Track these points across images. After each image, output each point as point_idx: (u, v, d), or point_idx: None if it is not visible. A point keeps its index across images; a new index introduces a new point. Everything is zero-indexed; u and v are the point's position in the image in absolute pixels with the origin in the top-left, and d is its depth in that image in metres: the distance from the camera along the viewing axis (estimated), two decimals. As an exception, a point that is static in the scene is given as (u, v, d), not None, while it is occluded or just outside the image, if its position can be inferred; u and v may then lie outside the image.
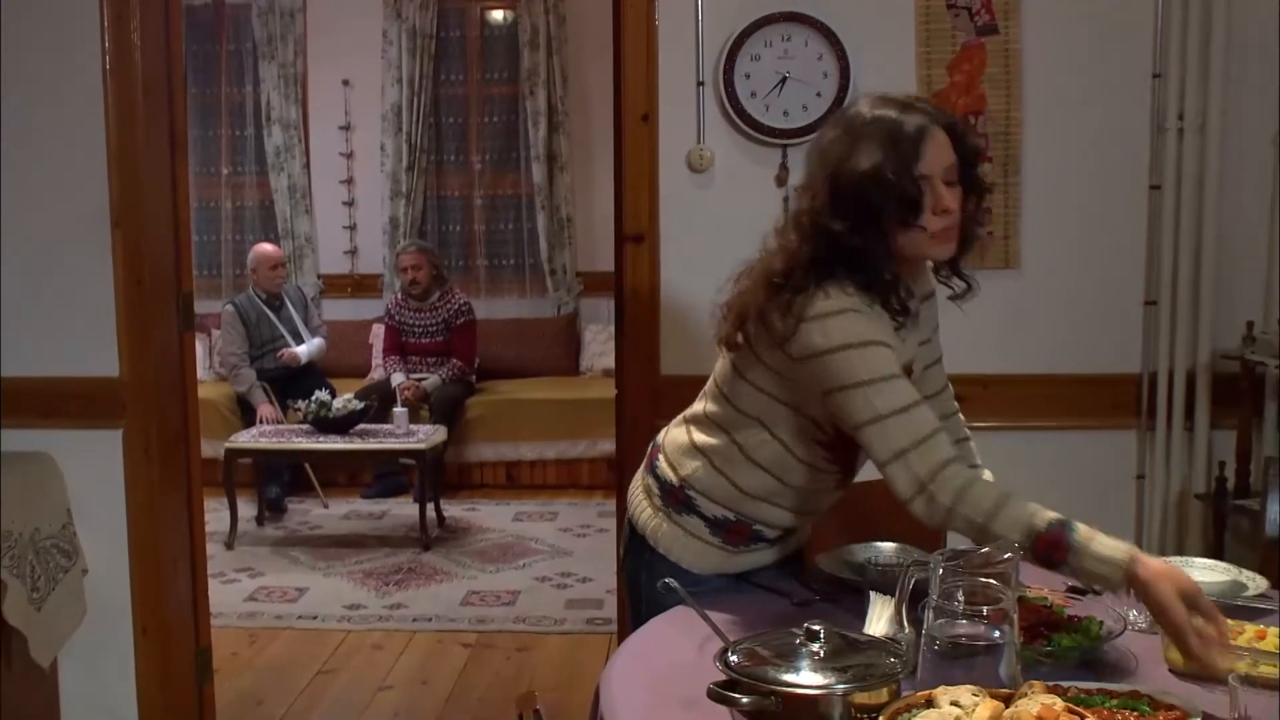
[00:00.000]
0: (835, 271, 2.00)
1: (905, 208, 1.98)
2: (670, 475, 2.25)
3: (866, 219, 1.98)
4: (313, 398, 6.13)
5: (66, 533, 3.32)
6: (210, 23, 7.95)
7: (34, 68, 3.26)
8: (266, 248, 7.20)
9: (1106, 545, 1.84)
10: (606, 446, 6.05)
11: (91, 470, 3.35)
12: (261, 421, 6.59)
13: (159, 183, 3.38)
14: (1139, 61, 3.13)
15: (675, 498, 2.24)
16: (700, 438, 2.22)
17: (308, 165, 8.04)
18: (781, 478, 2.18)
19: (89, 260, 3.29)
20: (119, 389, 3.31)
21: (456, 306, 7.19)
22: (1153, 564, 1.80)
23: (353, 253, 8.10)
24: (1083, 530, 1.86)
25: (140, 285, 3.31)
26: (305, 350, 7.07)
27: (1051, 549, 1.86)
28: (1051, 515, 1.88)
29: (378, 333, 7.68)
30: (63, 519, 3.32)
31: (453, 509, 6.60)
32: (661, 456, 2.30)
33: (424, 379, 7.05)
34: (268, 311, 7.03)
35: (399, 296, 7.29)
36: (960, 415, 2.36)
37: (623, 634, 2.67)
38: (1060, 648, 1.86)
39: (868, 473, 2.83)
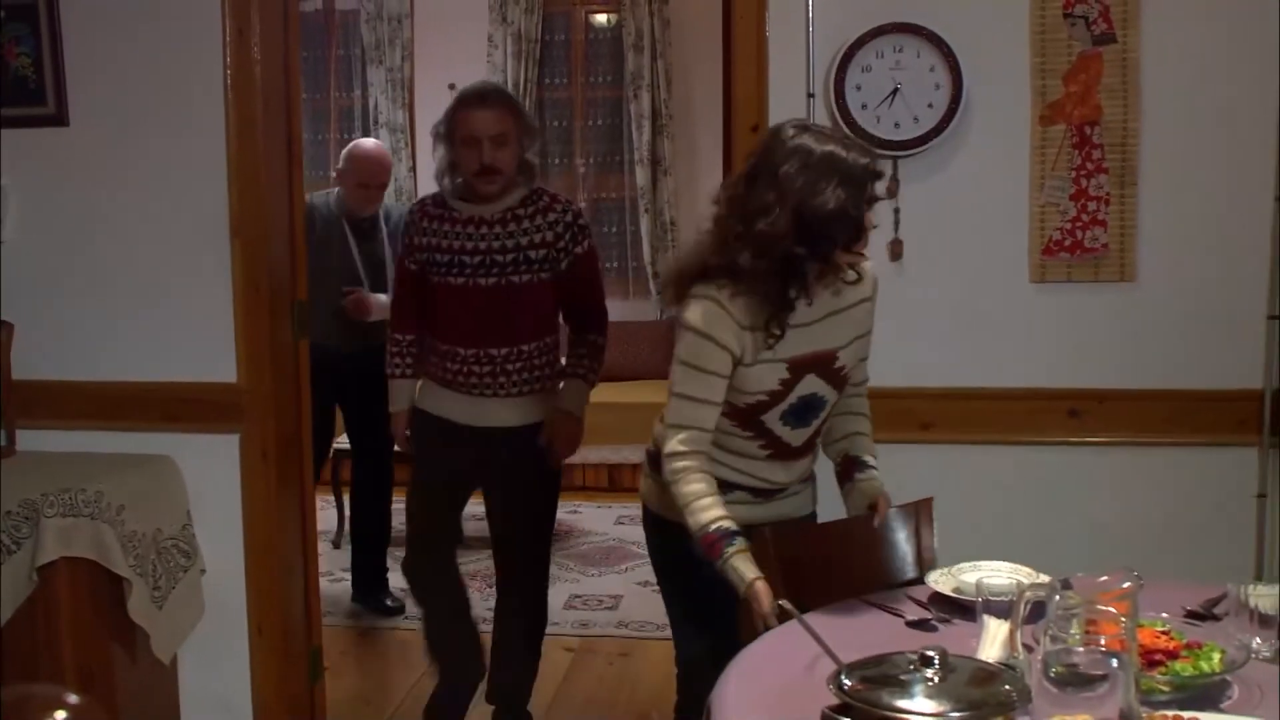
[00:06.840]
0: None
1: (856, 237, 2.39)
2: (652, 445, 2.72)
3: (826, 246, 2.35)
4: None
5: (186, 533, 3.41)
6: (320, 29, 8.10)
7: (158, 81, 3.35)
8: (366, 145, 4.90)
9: (743, 566, 2.35)
10: (708, 451, 6.01)
11: (210, 473, 3.43)
12: None
13: (276, 192, 3.45)
14: (1265, 70, 3.04)
15: (653, 461, 2.71)
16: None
17: (414, 169, 8.13)
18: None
19: (209, 268, 3.38)
20: (237, 394, 3.39)
21: (564, 220, 3.45)
22: (760, 588, 2.32)
23: (457, 255, 8.15)
24: (738, 546, 2.36)
25: (258, 293, 3.39)
26: (384, 301, 4.41)
27: (709, 548, 2.39)
28: (723, 524, 2.39)
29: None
30: (183, 520, 3.41)
31: (554, 511, 6.61)
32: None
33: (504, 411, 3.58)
34: (348, 231, 4.75)
35: (430, 204, 3.55)
36: (865, 402, 2.72)
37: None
38: (1181, 677, 1.83)
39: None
